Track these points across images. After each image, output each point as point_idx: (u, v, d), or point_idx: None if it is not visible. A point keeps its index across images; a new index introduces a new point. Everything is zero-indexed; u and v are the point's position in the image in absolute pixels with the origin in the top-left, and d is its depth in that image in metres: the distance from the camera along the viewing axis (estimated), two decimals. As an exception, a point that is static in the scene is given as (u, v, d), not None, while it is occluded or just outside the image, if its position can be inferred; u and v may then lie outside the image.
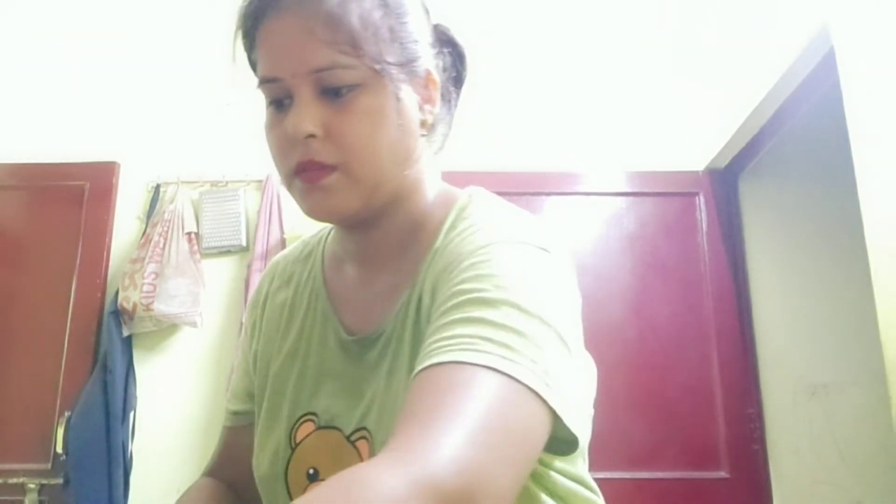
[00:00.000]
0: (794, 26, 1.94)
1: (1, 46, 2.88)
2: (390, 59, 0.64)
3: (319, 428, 0.69)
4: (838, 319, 2.50)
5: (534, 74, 2.78)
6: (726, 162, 2.62)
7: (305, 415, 0.70)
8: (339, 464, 0.64)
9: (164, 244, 2.56)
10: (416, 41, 0.67)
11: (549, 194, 2.65)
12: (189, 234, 2.59)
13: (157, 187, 2.70)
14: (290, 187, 0.67)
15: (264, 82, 0.66)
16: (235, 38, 0.70)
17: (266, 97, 0.67)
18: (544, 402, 0.49)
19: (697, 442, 2.41)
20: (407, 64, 0.66)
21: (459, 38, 0.75)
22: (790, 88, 2.09)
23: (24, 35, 2.88)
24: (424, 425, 0.45)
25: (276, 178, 2.66)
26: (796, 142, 2.41)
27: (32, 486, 2.33)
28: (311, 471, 0.68)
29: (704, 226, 2.61)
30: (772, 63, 2.08)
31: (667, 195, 2.66)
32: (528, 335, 0.52)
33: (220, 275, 2.59)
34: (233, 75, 0.72)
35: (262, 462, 0.72)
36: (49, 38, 2.87)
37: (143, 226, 2.65)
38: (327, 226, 0.81)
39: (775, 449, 2.46)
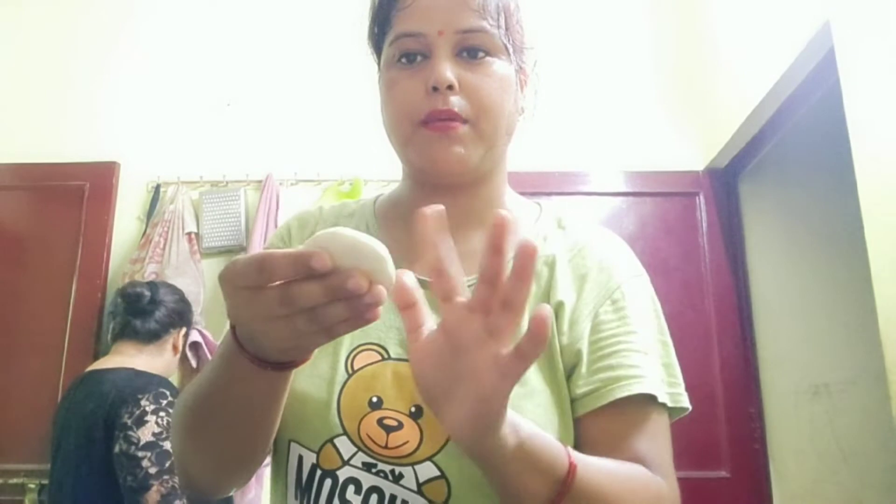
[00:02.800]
0: (794, 26, 1.94)
1: (1, 46, 2.88)
2: (517, 41, 0.75)
3: (389, 359, 0.70)
4: (839, 319, 2.50)
5: (533, 74, 2.77)
6: (726, 162, 2.62)
7: (366, 344, 0.71)
8: (413, 394, 0.68)
9: (164, 244, 2.56)
10: (524, 37, 0.78)
11: (549, 194, 2.65)
12: (189, 234, 2.59)
13: (157, 187, 2.70)
14: (411, 140, 0.72)
15: (404, 36, 0.71)
16: (372, 7, 0.76)
17: (397, 53, 0.72)
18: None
19: (698, 441, 2.40)
20: (523, 51, 0.77)
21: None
22: (790, 88, 2.09)
23: (25, 35, 2.88)
24: (669, 465, 0.69)
25: (275, 177, 2.66)
26: (796, 142, 2.41)
27: (32, 486, 2.33)
28: (375, 399, 0.68)
29: (704, 226, 2.61)
30: (772, 63, 2.08)
31: (667, 195, 2.66)
32: (676, 365, 0.75)
33: (220, 275, 2.59)
34: (358, 42, 0.79)
35: (307, 387, 0.71)
36: (49, 37, 2.87)
37: (143, 226, 2.65)
38: (349, 203, 0.88)
39: (776, 448, 2.46)
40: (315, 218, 0.84)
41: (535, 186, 2.63)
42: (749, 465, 2.42)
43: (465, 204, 0.77)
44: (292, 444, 0.71)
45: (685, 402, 0.73)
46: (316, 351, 0.70)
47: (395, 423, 0.67)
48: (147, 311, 1.82)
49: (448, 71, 0.68)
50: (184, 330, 1.87)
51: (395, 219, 0.81)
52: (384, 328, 0.72)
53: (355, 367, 0.70)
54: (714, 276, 2.56)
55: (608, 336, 0.70)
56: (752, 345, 2.54)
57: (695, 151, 2.70)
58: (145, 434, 1.54)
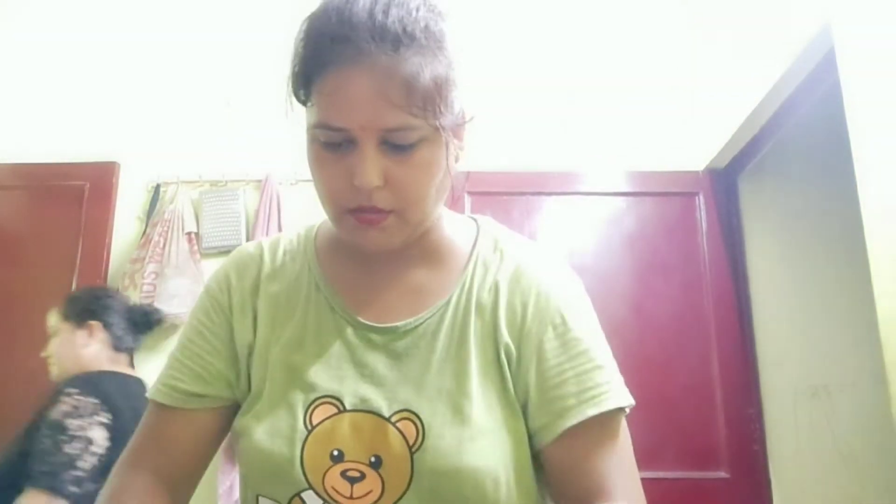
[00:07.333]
0: (794, 26, 1.94)
1: (1, 46, 2.88)
2: (449, 116, 0.69)
3: (346, 411, 0.71)
4: (838, 319, 2.50)
5: (534, 74, 2.78)
6: (726, 162, 2.61)
7: (323, 397, 0.72)
8: (371, 444, 0.69)
9: (164, 244, 2.56)
10: (462, 110, 0.72)
11: (549, 194, 2.65)
12: (189, 234, 2.59)
13: (157, 187, 2.70)
14: (339, 221, 0.73)
15: (326, 128, 0.68)
16: (291, 75, 0.73)
17: (320, 139, 0.69)
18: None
19: (697, 442, 2.40)
20: (458, 116, 0.72)
21: None
22: (790, 88, 2.09)
23: (25, 34, 2.88)
24: (632, 489, 0.74)
25: (275, 177, 2.66)
26: (796, 142, 2.41)
27: (32, 486, 2.33)
28: (336, 452, 0.70)
29: (704, 226, 2.61)
30: (772, 63, 2.08)
31: (667, 195, 2.66)
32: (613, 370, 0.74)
33: (219, 275, 2.59)
34: (289, 112, 0.75)
35: (269, 445, 0.71)
36: (49, 37, 2.87)
37: (143, 226, 2.65)
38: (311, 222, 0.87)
39: (775, 449, 2.46)
40: (256, 264, 0.82)
41: (536, 186, 2.63)
42: (748, 466, 2.42)
43: (404, 251, 0.78)
44: (261, 499, 0.73)
45: (630, 397, 0.75)
46: (272, 407, 0.73)
47: (357, 474, 0.69)
48: None
49: (373, 174, 0.66)
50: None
51: (338, 255, 0.81)
52: (338, 379, 0.73)
53: (314, 423, 0.71)
54: (714, 276, 2.56)
55: (554, 365, 0.72)
56: (752, 345, 2.54)
57: (695, 151, 2.70)
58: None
